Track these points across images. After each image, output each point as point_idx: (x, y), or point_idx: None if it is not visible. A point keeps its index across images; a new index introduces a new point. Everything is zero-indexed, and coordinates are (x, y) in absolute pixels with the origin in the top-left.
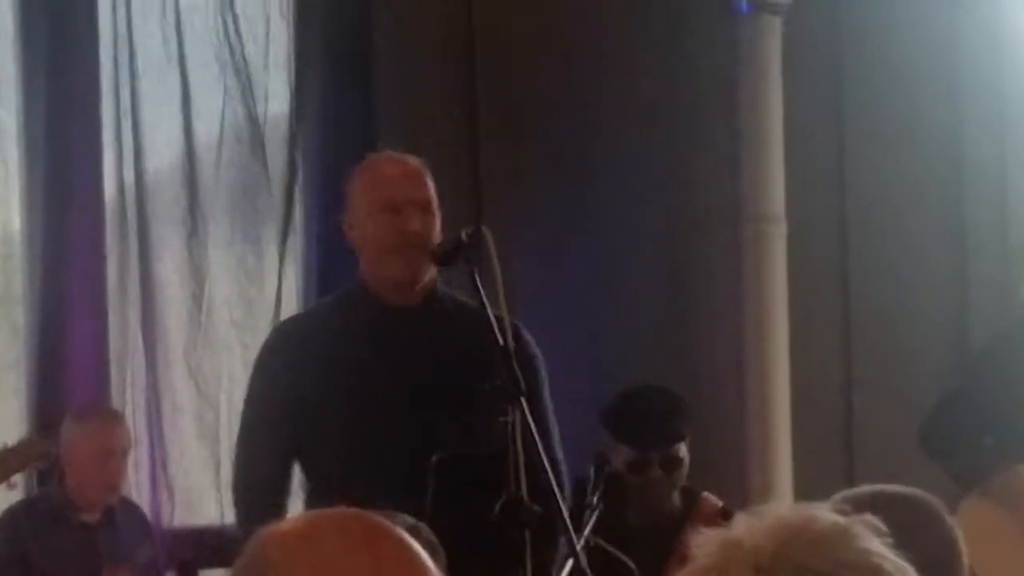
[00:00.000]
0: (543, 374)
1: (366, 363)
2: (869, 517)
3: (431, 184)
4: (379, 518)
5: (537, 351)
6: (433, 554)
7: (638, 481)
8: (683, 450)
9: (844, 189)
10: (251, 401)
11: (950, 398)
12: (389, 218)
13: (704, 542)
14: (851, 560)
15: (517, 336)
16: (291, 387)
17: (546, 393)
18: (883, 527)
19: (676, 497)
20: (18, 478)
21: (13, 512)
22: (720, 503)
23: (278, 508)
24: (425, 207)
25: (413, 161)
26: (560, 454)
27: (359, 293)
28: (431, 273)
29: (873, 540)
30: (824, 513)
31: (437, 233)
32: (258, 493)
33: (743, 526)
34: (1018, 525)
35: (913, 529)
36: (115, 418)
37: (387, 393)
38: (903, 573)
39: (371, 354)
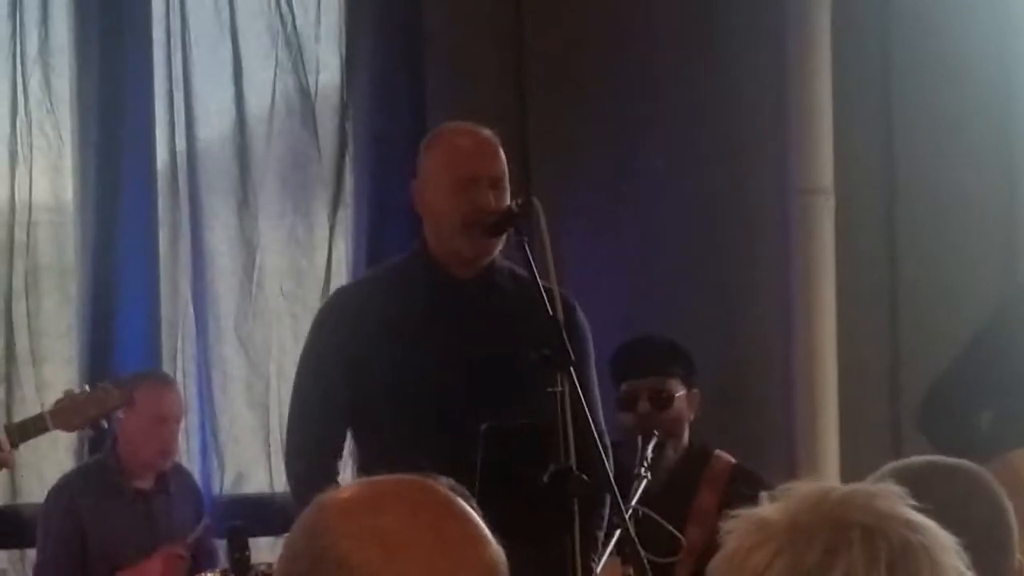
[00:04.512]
0: (590, 349)
1: (422, 331)
2: (889, 483)
3: (503, 157)
4: (443, 489)
5: (587, 327)
6: None
7: (631, 420)
8: (677, 391)
9: (893, 161)
10: (305, 366)
11: (947, 375)
12: (466, 193)
13: (733, 526)
14: (882, 509)
15: (570, 310)
16: (346, 352)
17: (592, 369)
18: (899, 489)
19: (673, 449)
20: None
21: (68, 479)
22: (733, 460)
23: (330, 474)
24: (499, 182)
25: (488, 133)
26: (603, 427)
27: (422, 261)
28: (498, 248)
29: (893, 497)
30: (867, 485)
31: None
32: (312, 458)
33: (768, 507)
34: None
35: (964, 499)
36: (168, 384)
37: (441, 362)
38: (925, 527)
39: (428, 323)
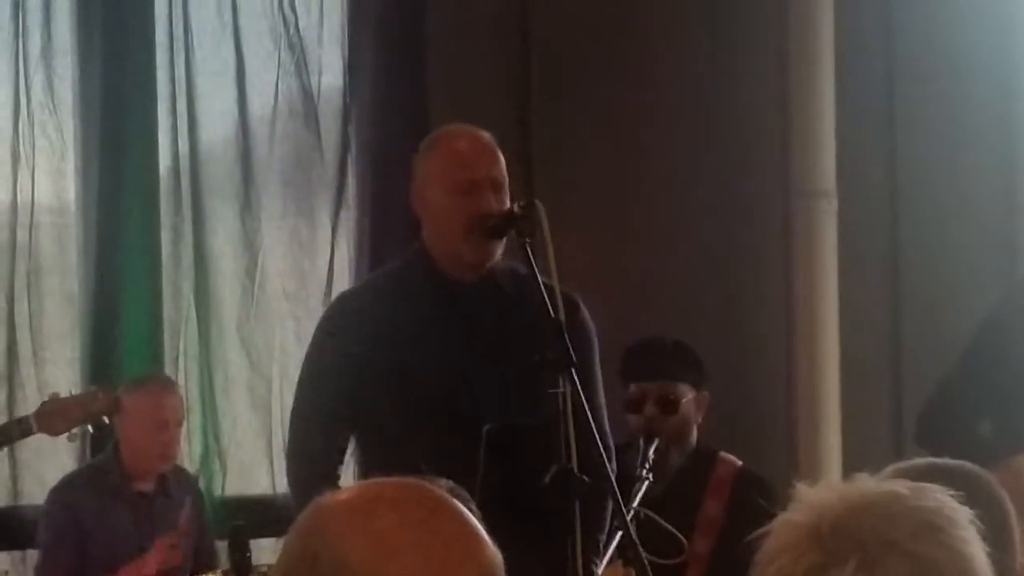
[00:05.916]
0: (595, 347)
1: (424, 335)
2: (966, 510)
3: (503, 159)
4: (437, 490)
5: (591, 325)
6: None
7: (637, 423)
8: (685, 395)
9: (895, 164)
10: (309, 369)
11: (943, 386)
12: (467, 197)
13: (800, 495)
14: (897, 538)
15: (575, 309)
16: (349, 357)
17: (597, 369)
18: (976, 519)
19: (678, 452)
20: (78, 431)
21: (70, 481)
22: (738, 463)
23: (331, 477)
24: (500, 185)
25: (486, 136)
26: (607, 428)
27: (421, 264)
28: (500, 251)
29: (957, 531)
30: (913, 499)
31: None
32: (313, 461)
33: (816, 501)
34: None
35: (966, 501)
36: (170, 388)
37: (443, 365)
38: (935, 562)
39: (430, 326)
